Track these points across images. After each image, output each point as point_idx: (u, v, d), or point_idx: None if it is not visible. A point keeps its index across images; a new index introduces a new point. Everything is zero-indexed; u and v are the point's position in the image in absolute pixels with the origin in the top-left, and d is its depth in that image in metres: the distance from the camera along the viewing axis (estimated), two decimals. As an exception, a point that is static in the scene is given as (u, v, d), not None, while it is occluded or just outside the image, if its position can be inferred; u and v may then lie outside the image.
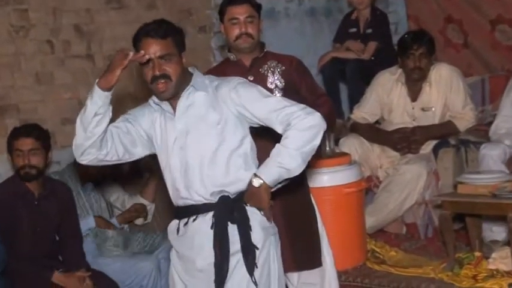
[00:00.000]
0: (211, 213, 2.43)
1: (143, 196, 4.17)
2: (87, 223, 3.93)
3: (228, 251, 2.39)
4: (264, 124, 2.44)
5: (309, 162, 2.43)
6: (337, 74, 5.15)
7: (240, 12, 3.02)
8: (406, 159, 4.30)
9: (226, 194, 2.43)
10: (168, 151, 2.47)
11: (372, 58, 5.02)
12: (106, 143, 2.44)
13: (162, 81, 2.36)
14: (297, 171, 2.37)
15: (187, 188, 2.45)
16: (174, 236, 2.54)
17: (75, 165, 4.04)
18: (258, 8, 3.10)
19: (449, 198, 3.67)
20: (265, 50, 3.15)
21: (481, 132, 4.30)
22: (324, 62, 5.14)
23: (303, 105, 2.42)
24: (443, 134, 4.35)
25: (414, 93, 4.42)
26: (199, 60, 5.23)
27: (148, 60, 2.35)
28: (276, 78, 3.09)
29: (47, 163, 3.72)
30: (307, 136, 2.35)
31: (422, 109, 4.39)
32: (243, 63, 3.10)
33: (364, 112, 4.56)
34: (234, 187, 2.43)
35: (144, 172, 4.34)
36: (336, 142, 4.33)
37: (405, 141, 4.34)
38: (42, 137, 3.63)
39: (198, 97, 2.44)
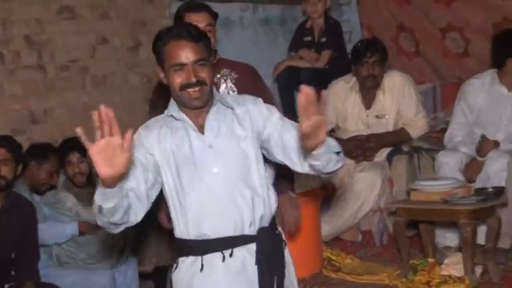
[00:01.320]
0: (248, 247, 2.20)
1: (98, 208, 4.11)
2: (70, 229, 3.88)
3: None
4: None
5: None
6: (293, 82, 5.16)
7: (199, 20, 2.93)
8: (361, 167, 4.34)
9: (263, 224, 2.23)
10: (196, 173, 2.18)
11: (326, 66, 5.06)
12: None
13: (197, 88, 2.16)
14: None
15: (220, 216, 2.17)
16: (194, 274, 2.21)
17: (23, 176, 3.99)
18: (215, 16, 3.06)
19: (402, 205, 3.71)
20: (218, 57, 3.10)
21: (433, 139, 4.37)
22: (279, 70, 5.16)
23: None
24: (396, 141, 4.40)
25: (368, 101, 4.46)
26: (154, 71, 5.17)
27: (178, 65, 2.15)
28: (228, 86, 3.06)
29: (16, 176, 3.68)
30: None
31: (376, 117, 4.43)
32: None
33: (319, 121, 4.57)
34: (265, 216, 2.23)
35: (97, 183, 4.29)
36: (292, 151, 4.33)
37: (360, 149, 4.37)
38: (14, 149, 3.62)
39: (227, 114, 2.25)
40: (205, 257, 2.19)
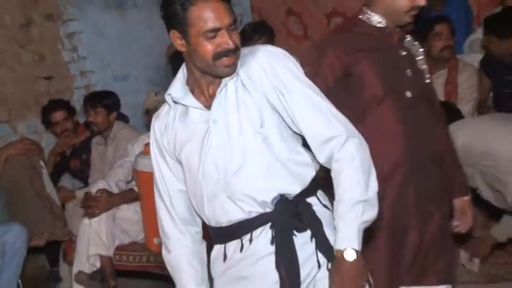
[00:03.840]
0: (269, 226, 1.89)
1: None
2: None
3: (298, 271, 1.85)
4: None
5: None
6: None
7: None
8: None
9: (284, 197, 1.88)
10: (198, 155, 1.91)
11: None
12: None
13: (233, 55, 1.84)
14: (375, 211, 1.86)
15: (231, 199, 1.88)
16: (221, 267, 1.97)
17: None
18: None
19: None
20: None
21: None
22: (172, 51, 5.26)
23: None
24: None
25: (256, 82, 4.65)
26: (48, 49, 5.16)
27: (213, 31, 1.82)
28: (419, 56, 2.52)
29: None
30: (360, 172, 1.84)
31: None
32: (392, 35, 2.45)
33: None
34: (293, 186, 1.90)
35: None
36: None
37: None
38: None
39: (230, 83, 1.91)
40: (228, 245, 1.94)
